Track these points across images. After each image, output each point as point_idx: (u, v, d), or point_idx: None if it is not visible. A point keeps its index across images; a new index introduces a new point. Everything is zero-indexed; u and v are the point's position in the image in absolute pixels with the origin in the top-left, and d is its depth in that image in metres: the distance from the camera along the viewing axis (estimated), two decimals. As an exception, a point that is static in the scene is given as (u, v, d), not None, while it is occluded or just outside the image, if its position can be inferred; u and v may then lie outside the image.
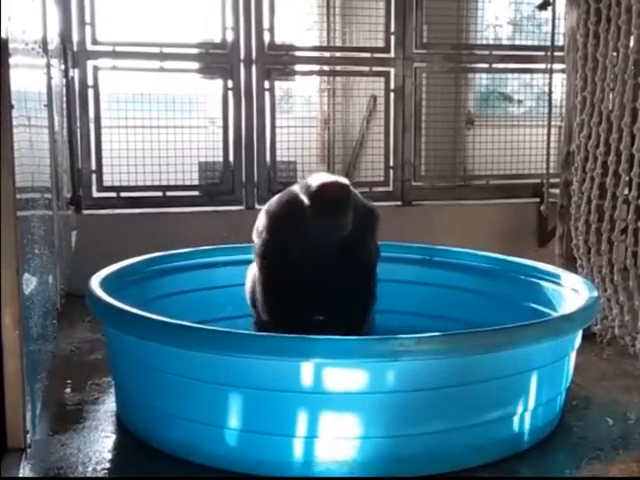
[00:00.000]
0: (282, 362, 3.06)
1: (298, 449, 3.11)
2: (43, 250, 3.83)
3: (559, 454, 3.44)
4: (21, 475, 3.00)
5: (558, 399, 3.64)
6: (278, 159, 6.48)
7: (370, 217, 3.95)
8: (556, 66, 5.69)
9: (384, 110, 6.73)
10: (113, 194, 6.23)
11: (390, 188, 6.71)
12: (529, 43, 7.07)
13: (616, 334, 4.70)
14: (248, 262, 4.09)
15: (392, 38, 6.58)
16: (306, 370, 3.02)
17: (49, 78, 4.53)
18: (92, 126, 6.12)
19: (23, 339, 2.97)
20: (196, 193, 6.44)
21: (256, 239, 3.90)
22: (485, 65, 6.96)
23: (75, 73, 6.03)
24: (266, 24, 6.30)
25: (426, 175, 6.87)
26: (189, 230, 5.92)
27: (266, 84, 6.37)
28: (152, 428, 3.42)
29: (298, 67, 6.64)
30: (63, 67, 5.74)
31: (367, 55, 6.66)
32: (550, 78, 5.83)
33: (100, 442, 3.45)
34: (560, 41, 5.66)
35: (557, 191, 5.39)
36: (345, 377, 3.06)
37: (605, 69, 4.71)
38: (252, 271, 4.06)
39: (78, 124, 6.10)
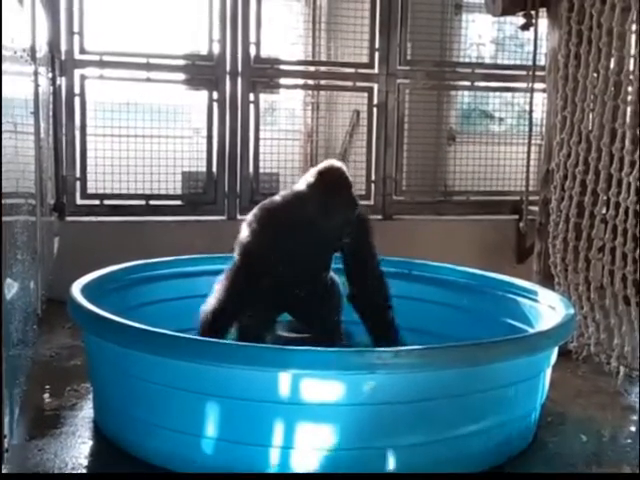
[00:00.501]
0: (260, 372, 3.08)
1: (274, 459, 3.13)
2: (25, 256, 3.83)
3: (534, 469, 3.47)
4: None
5: (533, 415, 3.68)
6: (261, 170, 6.51)
7: (363, 222, 4.04)
8: (537, 85, 5.75)
9: (367, 125, 6.77)
10: (96, 201, 6.24)
11: (371, 202, 6.74)
12: (511, 62, 7.14)
13: (592, 351, 4.74)
14: (229, 272, 4.10)
15: (376, 54, 6.64)
16: (284, 380, 3.05)
17: (36, 86, 4.55)
18: (78, 134, 6.14)
19: (3, 344, 2.98)
20: (179, 202, 6.46)
21: (239, 244, 3.95)
22: (467, 83, 7.03)
23: (62, 81, 6.05)
24: (252, 37, 6.35)
25: (407, 190, 6.91)
26: (171, 239, 5.93)
27: (251, 96, 6.40)
28: (129, 435, 3.43)
29: (283, 80, 6.68)
30: (50, 75, 5.75)
31: (351, 70, 6.71)
32: (531, 97, 5.88)
33: (77, 448, 3.47)
34: (542, 61, 5.72)
35: (536, 208, 5.43)
36: (322, 388, 3.08)
37: (585, 90, 4.76)
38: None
39: (64, 131, 6.12)
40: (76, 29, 6.03)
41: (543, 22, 5.42)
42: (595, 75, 4.69)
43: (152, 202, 6.33)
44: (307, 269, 3.92)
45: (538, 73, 5.62)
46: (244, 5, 6.30)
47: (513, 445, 3.50)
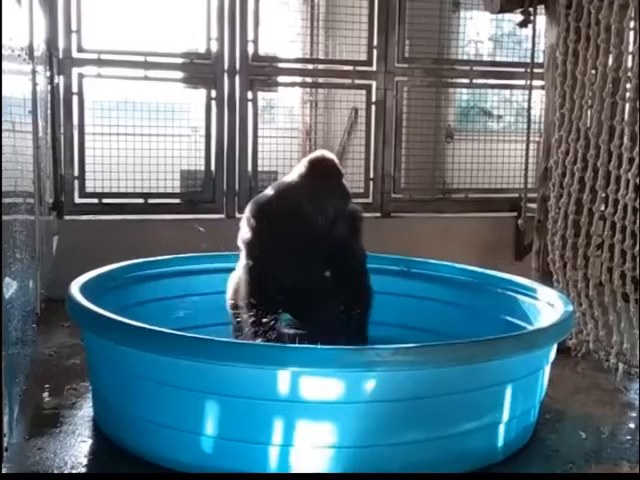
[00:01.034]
0: (259, 370, 3.07)
1: (273, 457, 3.13)
2: (24, 255, 3.84)
3: (532, 466, 3.47)
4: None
5: (532, 412, 3.68)
6: (259, 169, 6.51)
7: (355, 218, 4.04)
8: (535, 83, 5.74)
9: (365, 122, 6.78)
10: (95, 200, 6.24)
11: (370, 200, 6.75)
12: (509, 59, 7.15)
13: (590, 348, 4.75)
14: (228, 270, 4.11)
15: (374, 52, 6.64)
16: (283, 378, 3.04)
17: (34, 84, 4.55)
18: (76, 132, 6.14)
19: (2, 343, 2.98)
20: (177, 201, 6.46)
21: (241, 241, 3.95)
22: (466, 80, 7.03)
23: (60, 80, 6.05)
24: (250, 35, 6.35)
25: (406, 187, 6.92)
26: (169, 237, 5.93)
27: (249, 94, 6.40)
28: (129, 434, 3.43)
29: (281, 78, 6.68)
30: (48, 74, 5.76)
31: (349, 68, 6.71)
32: (529, 94, 5.88)
33: (76, 447, 3.46)
34: (540, 58, 5.71)
35: (534, 206, 5.43)
36: (321, 386, 3.07)
37: (584, 87, 4.76)
38: (233, 280, 4.10)
39: (62, 130, 6.12)
40: (74, 27, 6.03)
41: (541, 19, 5.43)
42: (593, 72, 4.69)
43: (150, 200, 6.34)
44: (304, 263, 3.92)
45: (536, 70, 5.61)
46: (242, 3, 6.30)
47: (512, 442, 3.50)
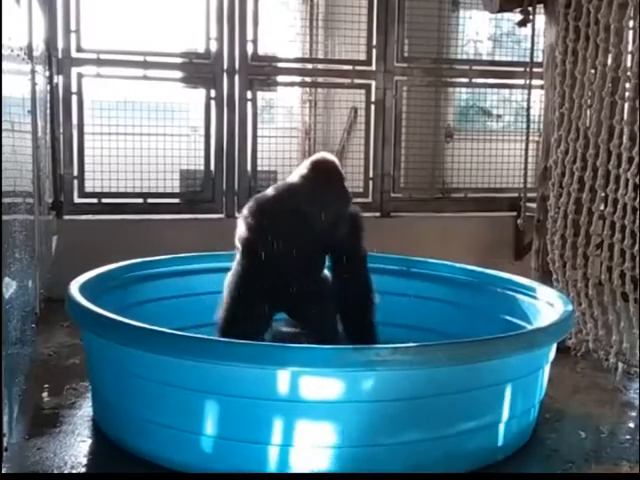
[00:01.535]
0: (259, 370, 3.07)
1: (273, 457, 3.13)
2: (23, 254, 3.83)
3: (532, 466, 3.48)
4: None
5: (532, 411, 3.68)
6: (259, 168, 6.51)
7: (355, 219, 4.04)
8: (535, 82, 5.74)
9: (364, 122, 6.78)
10: (94, 200, 6.25)
11: (369, 199, 6.75)
12: (508, 59, 7.15)
13: (590, 348, 4.75)
14: (227, 270, 4.11)
15: (374, 51, 6.65)
16: (282, 378, 3.05)
17: (33, 84, 4.55)
18: (75, 132, 6.14)
19: (2, 342, 2.98)
20: (177, 201, 6.46)
21: (238, 239, 3.95)
22: (465, 80, 7.03)
23: (59, 80, 6.06)
24: (250, 35, 6.35)
25: (405, 187, 6.92)
26: (169, 237, 5.93)
27: (248, 94, 6.40)
28: (128, 434, 3.43)
29: (280, 78, 6.68)
30: (48, 74, 5.76)
31: (349, 67, 6.72)
32: (529, 94, 5.88)
33: (76, 447, 3.46)
34: (539, 58, 5.71)
35: (534, 205, 5.44)
36: (321, 386, 3.08)
37: (583, 86, 4.76)
38: (229, 279, 4.10)
39: (61, 130, 6.12)
40: (73, 27, 6.03)
41: (540, 18, 5.43)
42: (592, 71, 4.69)
43: (150, 200, 6.34)
44: (303, 262, 3.91)
45: (535, 70, 5.61)
46: (241, 2, 6.30)
47: (512, 442, 3.51)
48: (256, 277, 3.87)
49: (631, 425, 3.92)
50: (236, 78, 6.37)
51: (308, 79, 6.94)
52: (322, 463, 3.12)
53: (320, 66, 6.94)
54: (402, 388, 3.13)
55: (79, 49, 6.08)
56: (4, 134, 3.17)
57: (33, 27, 4.56)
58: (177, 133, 6.47)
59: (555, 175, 4.99)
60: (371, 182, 6.78)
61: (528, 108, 6.03)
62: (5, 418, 3.08)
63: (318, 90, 7.31)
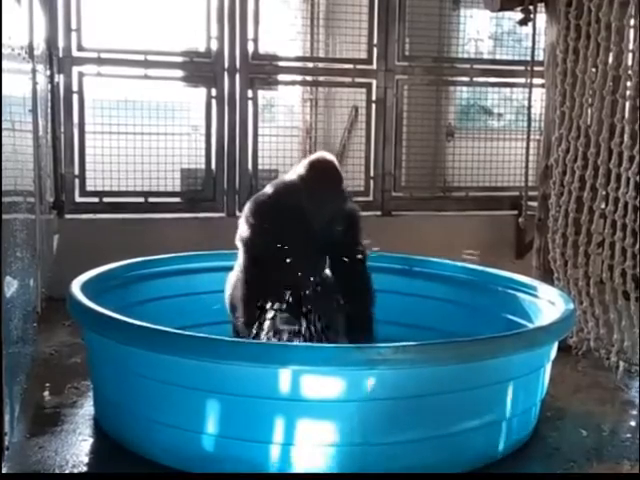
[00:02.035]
0: (260, 369, 3.08)
1: (275, 456, 3.13)
2: (25, 253, 3.84)
3: (533, 464, 3.47)
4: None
5: (533, 410, 3.68)
6: (260, 167, 6.51)
7: (353, 217, 4.03)
8: (536, 81, 5.74)
9: (365, 121, 6.78)
10: (95, 199, 6.24)
11: (370, 198, 6.76)
12: (509, 58, 7.14)
13: (591, 347, 4.75)
14: (228, 269, 4.11)
15: (374, 50, 6.64)
16: (284, 377, 3.05)
17: (34, 83, 4.55)
18: (76, 131, 6.14)
19: (3, 341, 2.98)
20: (178, 200, 6.46)
21: (240, 241, 3.95)
22: (466, 78, 7.03)
23: (60, 79, 6.05)
24: (250, 34, 6.35)
25: (406, 186, 6.92)
26: (170, 236, 5.94)
27: (249, 93, 6.40)
28: (130, 432, 3.43)
29: (281, 77, 6.68)
30: (48, 73, 5.76)
31: (350, 66, 6.71)
32: (530, 92, 5.88)
33: (77, 445, 3.47)
34: (540, 56, 5.71)
35: (535, 204, 5.43)
36: (322, 385, 3.08)
37: (584, 85, 4.76)
38: (232, 278, 4.10)
39: (62, 129, 6.12)
40: (74, 26, 6.03)
41: (541, 17, 5.42)
42: (594, 70, 4.69)
43: (151, 199, 6.34)
44: (303, 261, 3.91)
45: (536, 68, 5.61)
46: (242, 1, 6.30)
47: (513, 440, 3.51)
48: (258, 276, 3.87)
49: (632, 424, 3.92)
50: (237, 77, 6.36)
51: (309, 78, 6.94)
52: (324, 462, 3.12)
53: (321, 65, 6.93)
54: (403, 387, 3.13)
55: (80, 48, 6.07)
56: (5, 133, 3.18)
57: (34, 26, 4.56)
58: (178, 132, 6.47)
59: (556, 174, 4.99)
60: (372, 181, 6.78)
61: (529, 107, 6.03)
62: (6, 417, 3.09)
63: (319, 89, 7.31)
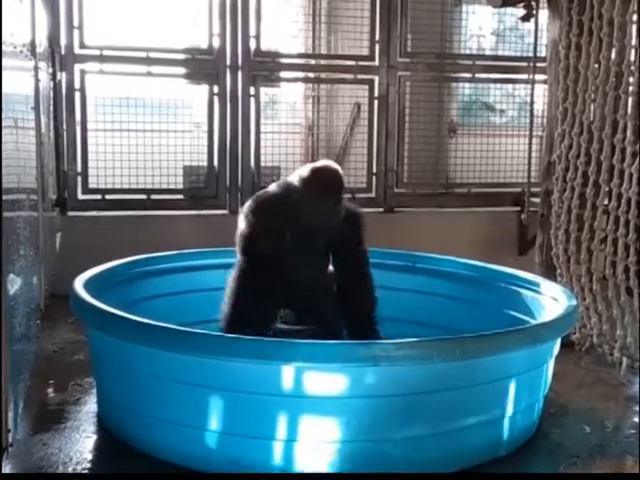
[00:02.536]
0: (264, 365, 3.07)
1: (278, 452, 3.13)
2: (28, 251, 3.85)
3: (536, 460, 3.47)
4: (3, 473, 3.02)
5: (536, 406, 3.68)
6: (262, 164, 6.51)
7: (356, 221, 4.02)
8: (538, 77, 5.74)
9: (368, 117, 6.78)
10: (98, 196, 6.25)
11: (373, 194, 6.76)
12: (512, 54, 7.15)
13: (594, 343, 4.74)
14: (230, 266, 4.11)
15: (377, 46, 6.64)
16: (287, 373, 3.05)
17: (37, 81, 4.56)
18: (78, 129, 6.14)
19: (7, 339, 2.99)
20: (180, 197, 6.46)
21: (239, 237, 3.95)
22: (468, 75, 7.03)
23: (62, 76, 6.06)
24: (252, 31, 6.35)
25: (408, 182, 6.92)
26: (173, 233, 5.94)
27: (251, 90, 6.40)
28: (133, 429, 3.44)
29: (283, 74, 6.68)
30: (51, 70, 5.77)
31: (352, 63, 6.71)
32: (532, 89, 5.88)
33: (81, 442, 3.47)
34: (542, 52, 5.72)
35: (538, 200, 5.43)
36: (325, 381, 3.08)
37: (586, 81, 4.75)
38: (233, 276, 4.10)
39: (64, 127, 6.13)
40: (76, 23, 6.04)
41: (544, 13, 5.42)
42: (596, 66, 4.68)
43: (153, 196, 6.34)
44: (303, 261, 3.91)
45: (539, 64, 5.62)
46: (244, -2, 6.30)
47: (516, 436, 3.51)
48: (258, 274, 3.86)
49: (635, 420, 3.92)
50: (239, 74, 6.36)
51: (311, 75, 6.93)
52: (327, 458, 3.12)
53: (323, 62, 6.93)
54: (407, 383, 3.13)
55: (82, 45, 6.08)
56: (8, 131, 3.19)
57: (36, 24, 4.57)
58: (180, 129, 6.47)
59: (559, 170, 4.99)
60: (374, 177, 6.78)
61: (531, 103, 6.04)
62: (10, 414, 3.10)
63: (321, 86, 7.29)
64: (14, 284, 3.27)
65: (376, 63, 6.67)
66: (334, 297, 4.08)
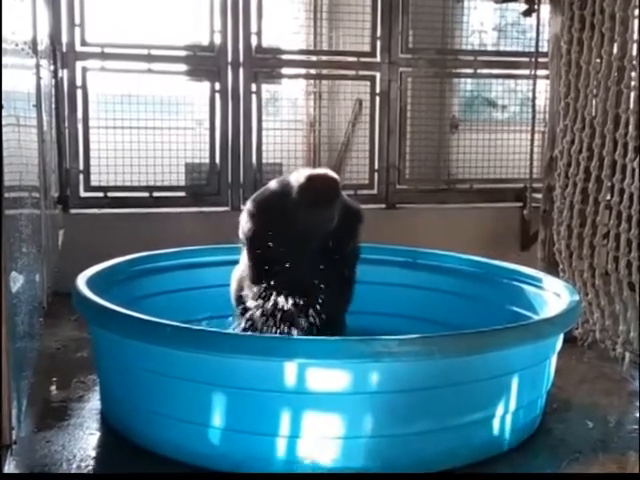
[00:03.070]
0: (265, 362, 3.08)
1: (281, 448, 3.14)
2: (30, 248, 3.85)
3: (539, 456, 3.46)
4: (6, 471, 3.02)
5: (539, 402, 3.68)
6: (264, 161, 6.51)
7: (354, 218, 3.99)
8: (540, 72, 5.73)
9: (369, 114, 6.77)
10: (100, 194, 6.25)
11: (375, 191, 6.76)
12: (513, 49, 7.14)
13: (597, 338, 4.74)
14: (233, 263, 4.11)
15: (378, 42, 6.63)
16: (289, 370, 3.05)
17: (38, 78, 4.56)
18: (80, 126, 6.15)
19: (10, 336, 2.99)
20: (182, 194, 6.47)
21: (242, 234, 3.94)
22: (470, 70, 7.02)
23: (64, 74, 6.06)
24: (254, 27, 6.34)
25: (410, 178, 6.92)
26: (175, 230, 5.94)
27: (253, 87, 6.40)
28: (136, 426, 3.44)
29: (285, 70, 6.68)
30: (52, 68, 5.77)
31: (353, 59, 6.71)
32: (534, 84, 5.87)
33: (85, 440, 3.46)
34: (544, 47, 5.70)
35: (540, 196, 5.43)
36: (328, 377, 3.08)
37: (588, 76, 4.75)
38: (237, 272, 4.10)
39: (66, 124, 6.13)
40: (77, 21, 6.04)
41: (545, 8, 5.42)
42: (598, 61, 4.68)
43: (155, 194, 6.34)
44: (304, 258, 3.90)
45: (541, 60, 5.61)
46: (245, -5, 6.30)
47: (519, 432, 3.50)
48: (260, 271, 3.86)
49: (638, 415, 3.91)
50: (240, 71, 6.36)
51: (312, 71, 6.93)
52: (329, 454, 3.12)
53: (324, 58, 6.93)
54: (409, 379, 3.13)
55: (83, 43, 6.08)
56: (10, 129, 3.19)
57: (37, 21, 4.57)
58: (182, 126, 6.48)
59: (561, 165, 4.99)
60: (376, 174, 6.78)
61: (533, 98, 6.03)
62: (14, 412, 3.11)
63: (323, 82, 7.28)
64: (17, 282, 3.28)
65: (377, 59, 6.67)
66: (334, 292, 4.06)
